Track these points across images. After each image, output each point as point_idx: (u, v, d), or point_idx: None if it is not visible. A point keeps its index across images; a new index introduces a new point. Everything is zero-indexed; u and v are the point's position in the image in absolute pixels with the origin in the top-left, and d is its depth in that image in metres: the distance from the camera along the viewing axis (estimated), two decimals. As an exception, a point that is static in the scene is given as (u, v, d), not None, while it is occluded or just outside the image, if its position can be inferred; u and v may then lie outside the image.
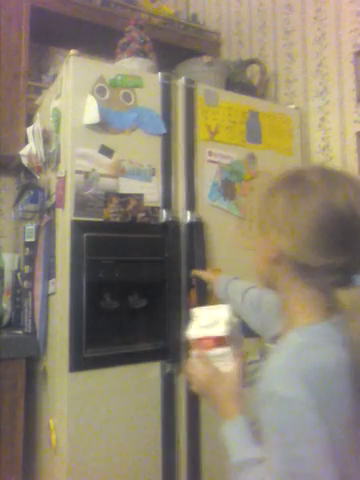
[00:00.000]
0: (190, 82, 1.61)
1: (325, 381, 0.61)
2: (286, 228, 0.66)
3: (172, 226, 1.48)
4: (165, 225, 1.48)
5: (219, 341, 0.82)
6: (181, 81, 1.60)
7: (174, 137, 1.56)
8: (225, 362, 0.80)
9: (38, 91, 1.92)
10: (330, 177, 0.66)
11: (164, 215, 1.49)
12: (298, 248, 0.64)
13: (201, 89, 1.63)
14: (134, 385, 1.40)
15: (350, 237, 0.63)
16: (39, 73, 2.15)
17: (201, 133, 1.61)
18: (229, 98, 1.70)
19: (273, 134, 1.78)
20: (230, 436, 0.73)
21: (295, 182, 0.68)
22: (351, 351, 0.61)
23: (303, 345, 0.65)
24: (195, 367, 0.81)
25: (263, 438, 0.64)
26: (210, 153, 1.62)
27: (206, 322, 0.85)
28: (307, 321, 0.68)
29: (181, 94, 1.59)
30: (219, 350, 0.81)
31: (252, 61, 2.12)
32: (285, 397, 0.61)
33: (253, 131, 1.73)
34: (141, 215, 1.45)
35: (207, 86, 1.67)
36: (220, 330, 0.82)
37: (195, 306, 1.01)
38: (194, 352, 0.84)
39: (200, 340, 0.83)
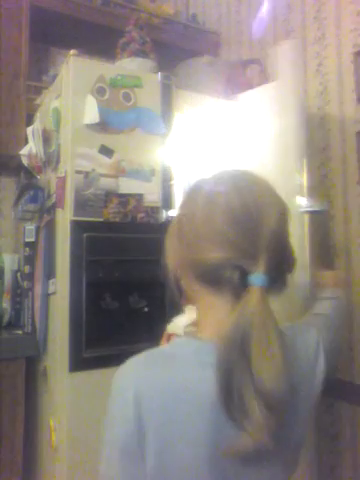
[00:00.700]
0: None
1: (163, 396, 0.58)
2: (186, 236, 0.65)
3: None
4: (165, 225, 1.48)
5: None
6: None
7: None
8: None
9: (38, 91, 1.91)
10: (227, 183, 0.65)
11: (164, 215, 1.49)
12: (196, 251, 0.63)
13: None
14: (134, 385, 1.40)
15: (236, 235, 0.60)
16: (39, 73, 2.15)
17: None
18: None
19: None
20: None
21: (195, 192, 0.68)
22: (217, 363, 0.54)
23: (164, 352, 0.66)
24: None
25: None
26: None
27: (185, 320, 0.86)
28: (201, 334, 0.65)
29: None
30: None
31: (252, 61, 2.12)
32: (113, 396, 0.61)
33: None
34: (141, 215, 1.45)
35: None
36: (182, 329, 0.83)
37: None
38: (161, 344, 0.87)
39: (169, 335, 0.87)
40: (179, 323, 0.90)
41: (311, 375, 0.66)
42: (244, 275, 0.58)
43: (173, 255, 0.68)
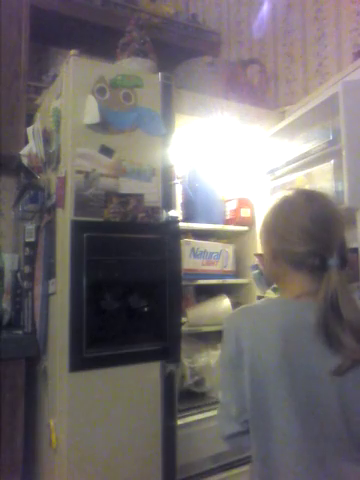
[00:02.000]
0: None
1: (255, 330, 0.91)
2: (278, 235, 0.95)
3: (172, 226, 1.49)
4: (165, 225, 1.48)
5: None
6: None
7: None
8: None
9: (38, 91, 1.91)
10: (306, 198, 0.95)
11: (164, 215, 1.49)
12: (287, 244, 0.92)
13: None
14: (134, 385, 1.40)
15: (318, 233, 0.90)
16: (39, 73, 2.15)
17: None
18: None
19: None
20: None
21: (281, 204, 0.97)
22: (317, 315, 0.85)
23: (256, 305, 1.03)
24: None
25: None
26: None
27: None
28: (280, 296, 1.00)
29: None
30: None
31: (252, 61, 2.12)
32: (223, 333, 0.96)
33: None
34: (141, 215, 1.45)
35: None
36: None
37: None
38: None
39: None
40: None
41: None
42: (323, 260, 0.88)
43: (266, 246, 0.99)
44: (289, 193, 0.98)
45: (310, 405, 0.86)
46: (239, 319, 0.96)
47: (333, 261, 0.88)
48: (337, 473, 0.84)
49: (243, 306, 1.02)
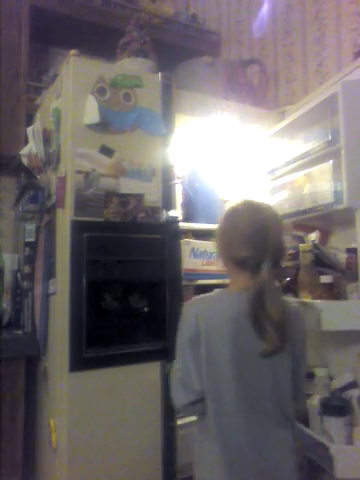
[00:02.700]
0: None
1: (210, 316, 1.06)
2: (226, 240, 1.13)
3: (172, 226, 1.49)
4: (165, 225, 1.48)
5: None
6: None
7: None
8: None
9: (38, 91, 1.91)
10: (250, 210, 1.11)
11: (164, 215, 1.49)
12: (233, 249, 1.09)
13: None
14: (134, 385, 1.40)
15: (257, 241, 1.05)
16: (39, 73, 2.15)
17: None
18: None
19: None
20: None
21: (229, 214, 1.14)
22: (248, 305, 1.01)
23: (210, 296, 1.14)
24: None
25: None
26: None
27: None
28: (229, 289, 1.15)
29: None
30: None
31: (252, 61, 2.12)
32: (183, 317, 1.11)
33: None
34: (141, 215, 1.45)
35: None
36: None
37: None
38: None
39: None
40: None
41: (299, 325, 1.13)
42: (259, 262, 1.05)
43: (220, 251, 1.16)
44: (237, 204, 1.15)
45: (250, 382, 1.03)
46: (197, 306, 1.11)
47: (265, 264, 1.04)
48: (275, 438, 1.03)
49: (200, 296, 1.17)
